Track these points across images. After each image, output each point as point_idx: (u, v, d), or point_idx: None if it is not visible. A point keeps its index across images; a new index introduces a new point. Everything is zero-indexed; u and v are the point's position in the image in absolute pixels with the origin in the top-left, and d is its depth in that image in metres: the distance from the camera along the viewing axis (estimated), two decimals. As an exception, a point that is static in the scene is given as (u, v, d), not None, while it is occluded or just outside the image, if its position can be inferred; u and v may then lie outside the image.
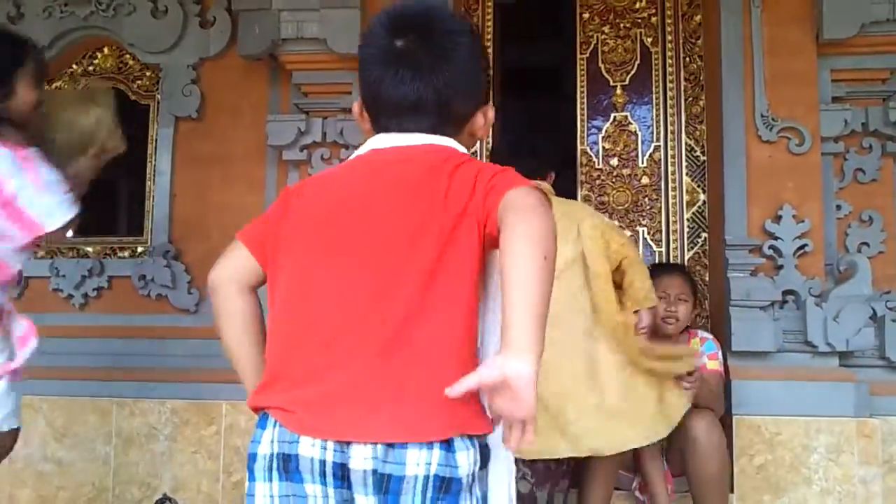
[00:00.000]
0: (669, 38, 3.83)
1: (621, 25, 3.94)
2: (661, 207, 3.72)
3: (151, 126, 3.85)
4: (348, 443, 1.15)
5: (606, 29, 3.96)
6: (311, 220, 1.29)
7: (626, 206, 3.77)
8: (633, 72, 3.86)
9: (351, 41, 3.37)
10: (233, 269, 1.42)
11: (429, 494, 1.13)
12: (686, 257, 3.60)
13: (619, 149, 3.83)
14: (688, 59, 3.78)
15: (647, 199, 3.76)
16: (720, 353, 2.99)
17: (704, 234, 3.59)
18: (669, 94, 3.78)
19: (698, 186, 3.65)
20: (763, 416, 3.04)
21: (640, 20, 4.07)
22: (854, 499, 2.97)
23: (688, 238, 3.62)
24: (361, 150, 1.35)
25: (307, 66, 3.51)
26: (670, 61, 3.80)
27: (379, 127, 1.34)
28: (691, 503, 2.78)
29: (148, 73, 3.90)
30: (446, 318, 1.18)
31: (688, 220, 3.64)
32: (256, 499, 1.20)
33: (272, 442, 1.19)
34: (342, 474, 1.16)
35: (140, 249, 3.83)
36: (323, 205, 1.29)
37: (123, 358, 3.54)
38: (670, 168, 3.72)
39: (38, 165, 2.21)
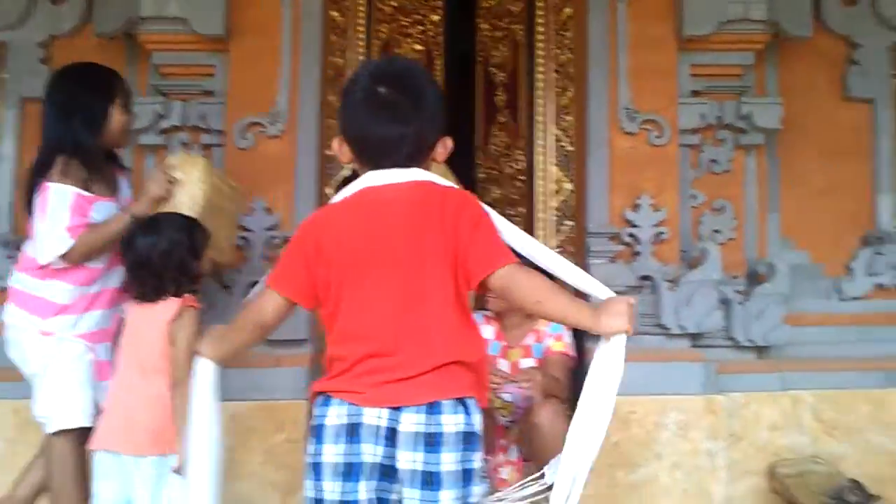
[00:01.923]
0: (541, 29, 3.89)
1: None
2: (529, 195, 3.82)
3: (-5, 106, 3.59)
4: (399, 408, 1.56)
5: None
6: (350, 255, 1.64)
7: (498, 194, 3.85)
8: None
9: (215, 22, 3.29)
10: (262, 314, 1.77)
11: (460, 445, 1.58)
12: (552, 244, 3.69)
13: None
14: (558, 50, 3.85)
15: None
16: (568, 333, 3.03)
17: (569, 223, 3.69)
18: (539, 84, 3.85)
19: (565, 176, 3.74)
20: (619, 396, 3.12)
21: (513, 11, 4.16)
22: (701, 471, 3.12)
23: (554, 226, 3.71)
24: (357, 187, 1.69)
25: (167, 47, 3.37)
26: (541, 52, 3.87)
27: (364, 160, 1.70)
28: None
29: (-9, 50, 3.65)
30: (453, 315, 1.63)
31: (554, 208, 3.73)
32: (325, 456, 1.58)
33: (339, 416, 1.58)
34: (391, 436, 1.56)
35: (-20, 238, 3.56)
36: (354, 241, 1.65)
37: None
38: (538, 157, 3.80)
39: (48, 198, 2.46)
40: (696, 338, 3.28)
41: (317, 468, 1.59)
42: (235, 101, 3.33)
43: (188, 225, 2.50)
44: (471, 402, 1.62)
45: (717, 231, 3.49)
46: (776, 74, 3.70)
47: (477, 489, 1.61)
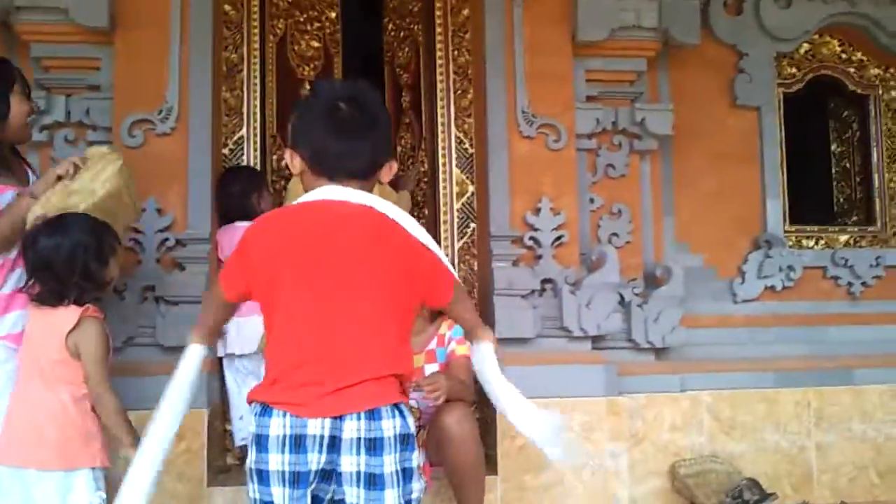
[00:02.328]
0: (440, 30, 3.86)
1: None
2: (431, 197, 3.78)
3: None
4: (341, 417, 1.63)
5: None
6: (294, 260, 1.71)
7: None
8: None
9: (98, 13, 3.10)
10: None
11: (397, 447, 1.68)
12: (456, 247, 3.66)
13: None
14: (456, 52, 3.82)
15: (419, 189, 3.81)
16: None
17: (473, 225, 3.67)
18: (440, 86, 3.82)
19: (467, 178, 3.72)
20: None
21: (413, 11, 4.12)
22: (605, 471, 3.16)
23: (457, 228, 3.68)
24: (313, 197, 1.77)
25: (47, 38, 3.17)
26: (440, 54, 3.84)
27: (318, 171, 1.79)
28: (449, 491, 2.83)
29: None
30: (392, 331, 1.74)
31: (457, 210, 3.70)
32: (271, 464, 1.64)
33: (283, 427, 1.64)
34: (333, 443, 1.64)
35: None
36: (302, 247, 1.72)
37: None
38: (441, 160, 3.76)
39: None
40: (596, 340, 3.33)
41: (262, 474, 1.66)
42: (122, 96, 3.15)
43: (96, 227, 2.34)
44: (404, 407, 1.73)
45: (614, 234, 3.55)
46: (668, 81, 3.82)
47: (416, 485, 1.72)
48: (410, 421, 1.73)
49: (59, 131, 3.21)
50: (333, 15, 4.18)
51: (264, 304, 1.76)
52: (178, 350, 2.89)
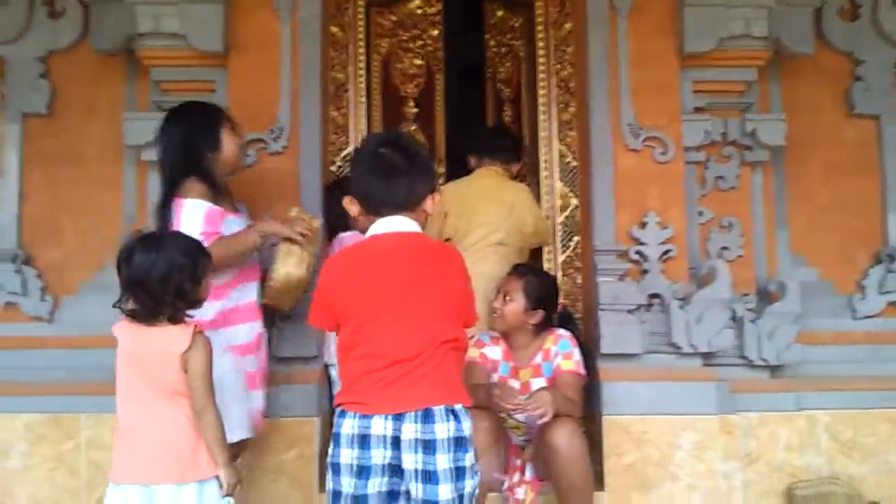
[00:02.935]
0: (541, 44, 3.86)
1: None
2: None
3: (-4, 121, 3.57)
4: (401, 417, 1.88)
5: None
6: (362, 292, 1.99)
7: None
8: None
9: (213, 37, 3.24)
10: None
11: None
12: (559, 260, 3.64)
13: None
14: (559, 65, 3.81)
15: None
16: (576, 350, 2.97)
17: (577, 238, 3.64)
18: (542, 100, 3.81)
19: (570, 192, 3.69)
20: (631, 416, 3.09)
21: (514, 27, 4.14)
22: (717, 493, 3.06)
23: (561, 241, 3.66)
24: (371, 232, 2.06)
25: (166, 62, 3.33)
26: (542, 68, 3.84)
27: (369, 210, 2.06)
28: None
29: (-8, 65, 3.61)
30: (444, 345, 1.97)
31: (561, 223, 3.68)
32: (342, 458, 1.92)
33: (352, 427, 1.92)
34: (396, 443, 1.89)
35: (-14, 253, 3.54)
36: (366, 281, 2.00)
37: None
38: (543, 173, 3.76)
39: (181, 212, 2.60)
40: (707, 357, 3.23)
41: (335, 467, 1.93)
42: (236, 117, 3.26)
43: (191, 246, 2.36)
44: (460, 410, 1.94)
45: (725, 248, 3.45)
46: (780, 90, 3.69)
47: (470, 482, 1.92)
48: (466, 425, 1.94)
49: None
50: (435, 33, 4.23)
51: (342, 326, 2.03)
52: (291, 360, 3.08)
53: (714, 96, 3.51)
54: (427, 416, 1.89)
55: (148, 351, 2.26)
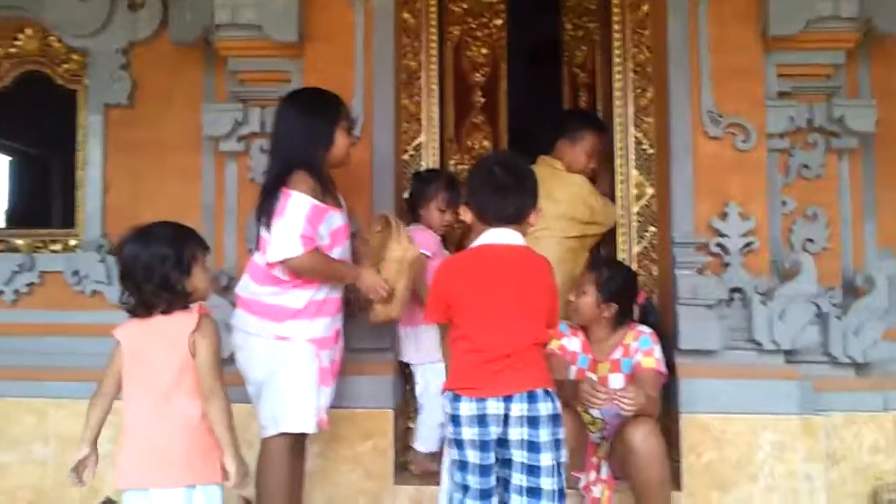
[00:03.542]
0: (617, 27, 3.75)
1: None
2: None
3: (80, 112, 3.68)
4: (510, 397, 2.24)
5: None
6: (473, 293, 2.34)
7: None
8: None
9: (289, 28, 3.25)
10: None
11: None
12: (634, 251, 3.56)
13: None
14: (636, 49, 3.70)
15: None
16: (657, 348, 2.91)
17: (653, 228, 3.56)
18: (617, 85, 3.72)
19: (646, 180, 3.61)
20: (710, 415, 3.03)
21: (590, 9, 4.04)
22: (798, 495, 2.98)
23: (636, 232, 3.57)
24: (481, 241, 2.38)
25: (243, 53, 3.36)
26: (618, 52, 3.73)
27: (482, 220, 2.39)
28: (634, 504, 2.78)
29: (74, 57, 3.71)
30: (536, 341, 2.35)
31: (636, 213, 3.59)
32: (465, 434, 2.26)
33: (470, 409, 2.25)
34: (505, 420, 2.24)
35: (73, 242, 3.68)
36: (477, 284, 2.34)
37: (57, 357, 3.43)
38: (618, 161, 3.67)
39: (287, 203, 2.62)
40: (789, 354, 3.14)
41: (459, 443, 2.28)
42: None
43: (177, 236, 2.29)
44: (553, 393, 2.31)
45: (809, 240, 3.34)
46: (869, 74, 3.53)
47: (564, 452, 2.29)
48: (559, 404, 2.30)
49: (255, 141, 3.41)
50: (500, 22, 4.17)
51: (455, 323, 2.36)
52: (365, 351, 3.12)
53: (799, 80, 3.38)
54: (532, 397, 2.24)
55: (153, 341, 2.23)
